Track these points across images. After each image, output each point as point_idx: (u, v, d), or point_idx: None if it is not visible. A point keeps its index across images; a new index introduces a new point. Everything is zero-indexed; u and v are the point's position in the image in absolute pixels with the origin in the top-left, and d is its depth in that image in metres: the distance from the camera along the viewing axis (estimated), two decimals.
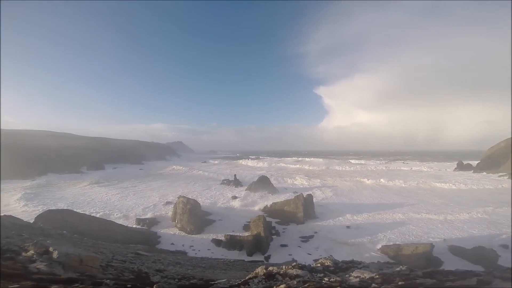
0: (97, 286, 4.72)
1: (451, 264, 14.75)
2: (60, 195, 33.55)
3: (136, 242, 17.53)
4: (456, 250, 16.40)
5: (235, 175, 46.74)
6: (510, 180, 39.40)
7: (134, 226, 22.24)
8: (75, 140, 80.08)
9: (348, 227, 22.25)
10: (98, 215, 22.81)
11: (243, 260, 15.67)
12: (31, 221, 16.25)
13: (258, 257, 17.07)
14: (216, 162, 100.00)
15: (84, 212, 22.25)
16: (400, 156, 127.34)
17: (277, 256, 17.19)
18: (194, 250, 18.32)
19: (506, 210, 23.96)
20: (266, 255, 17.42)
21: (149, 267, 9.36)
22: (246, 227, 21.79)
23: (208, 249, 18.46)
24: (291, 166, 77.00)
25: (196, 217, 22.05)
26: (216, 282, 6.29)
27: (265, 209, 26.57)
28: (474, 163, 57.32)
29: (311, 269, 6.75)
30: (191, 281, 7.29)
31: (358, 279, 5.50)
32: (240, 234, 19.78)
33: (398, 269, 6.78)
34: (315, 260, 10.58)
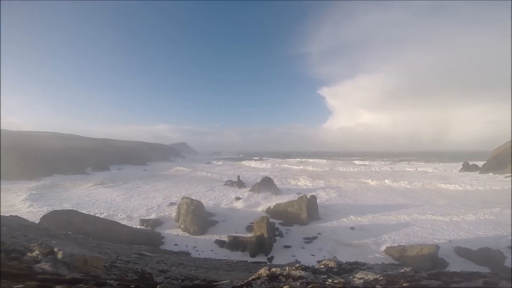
0: (101, 286, 4.75)
1: (456, 265, 14.57)
2: (65, 196, 33.90)
3: (140, 242, 17.65)
4: (462, 252, 16.19)
5: (238, 176, 46.77)
6: None
7: (138, 227, 22.36)
8: (80, 141, 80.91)
9: (352, 228, 22.11)
10: (102, 216, 23.02)
11: (246, 261, 15.69)
12: (37, 222, 16.45)
13: (261, 258, 17.04)
14: (219, 163, 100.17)
15: (89, 213, 22.50)
16: (405, 157, 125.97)
17: (280, 257, 17.14)
18: (198, 251, 18.36)
19: None
20: (269, 256, 17.39)
21: (152, 268, 9.40)
22: (249, 228, 21.77)
23: (211, 250, 18.49)
24: (295, 167, 76.69)
25: (199, 218, 22.11)
26: (219, 283, 6.28)
27: (268, 210, 26.53)
28: (480, 163, 56.51)
29: (314, 271, 6.70)
30: (194, 282, 7.30)
31: (362, 281, 5.45)
32: (243, 235, 19.77)
33: (402, 270, 6.71)
34: (319, 262, 10.51)
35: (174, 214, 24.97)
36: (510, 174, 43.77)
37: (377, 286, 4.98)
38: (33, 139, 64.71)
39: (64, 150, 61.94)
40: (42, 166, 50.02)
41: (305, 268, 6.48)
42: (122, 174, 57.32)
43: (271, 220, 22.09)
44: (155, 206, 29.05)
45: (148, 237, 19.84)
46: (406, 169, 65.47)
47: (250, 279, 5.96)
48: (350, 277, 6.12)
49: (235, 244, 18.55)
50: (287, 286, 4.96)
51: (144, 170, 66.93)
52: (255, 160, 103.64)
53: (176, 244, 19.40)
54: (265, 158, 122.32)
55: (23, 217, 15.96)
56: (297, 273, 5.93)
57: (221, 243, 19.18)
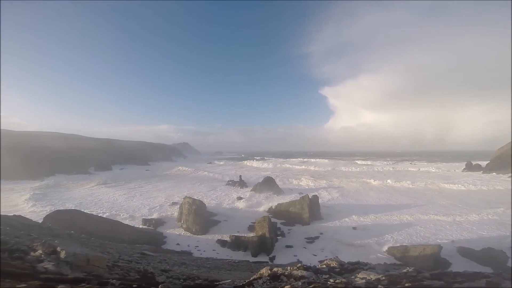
0: (103, 286, 4.77)
1: (459, 265, 14.46)
2: (68, 196, 34.11)
3: (142, 242, 17.70)
4: (465, 252, 16.09)
5: (240, 176, 46.80)
6: None
7: (140, 226, 22.45)
8: (83, 141, 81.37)
9: (354, 228, 22.04)
10: (105, 216, 23.13)
11: (248, 261, 15.68)
12: (40, 221, 16.56)
13: (263, 258, 17.04)
14: (221, 163, 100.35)
15: (92, 213, 22.59)
16: (407, 157, 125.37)
17: (282, 257, 17.13)
18: (199, 250, 18.40)
19: None
20: (271, 256, 17.38)
21: (154, 267, 9.43)
22: (251, 228, 21.77)
23: (213, 250, 18.52)
24: (297, 167, 76.60)
25: (201, 217, 22.15)
26: (221, 282, 6.29)
27: (270, 210, 26.52)
28: (483, 163, 56.16)
29: (316, 270, 6.69)
30: (196, 282, 7.31)
31: (364, 281, 5.43)
32: (245, 235, 19.77)
33: (405, 270, 6.69)
34: (321, 261, 10.47)
35: (176, 214, 25.04)
36: None
37: (379, 286, 4.97)
38: (36, 139, 65.16)
39: (66, 150, 62.36)
40: (45, 166, 50.38)
41: (307, 268, 6.47)
42: (124, 174, 57.58)
43: (273, 220, 22.06)
44: (157, 206, 29.15)
45: (150, 236, 19.90)
46: (409, 169, 65.18)
47: (251, 278, 5.96)
48: (352, 277, 6.11)
49: (237, 243, 18.56)
50: (289, 286, 4.96)
51: (146, 170, 67.19)
52: (256, 160, 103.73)
53: (178, 244, 19.45)
54: (267, 158, 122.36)
55: (26, 216, 16.07)
56: (299, 273, 5.93)
57: (223, 243, 19.21)
